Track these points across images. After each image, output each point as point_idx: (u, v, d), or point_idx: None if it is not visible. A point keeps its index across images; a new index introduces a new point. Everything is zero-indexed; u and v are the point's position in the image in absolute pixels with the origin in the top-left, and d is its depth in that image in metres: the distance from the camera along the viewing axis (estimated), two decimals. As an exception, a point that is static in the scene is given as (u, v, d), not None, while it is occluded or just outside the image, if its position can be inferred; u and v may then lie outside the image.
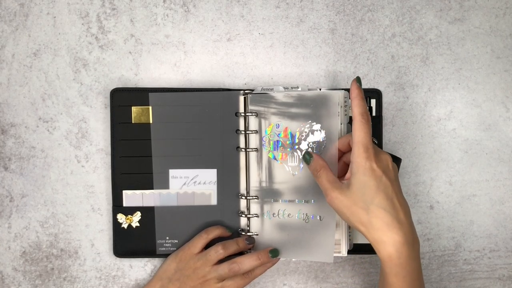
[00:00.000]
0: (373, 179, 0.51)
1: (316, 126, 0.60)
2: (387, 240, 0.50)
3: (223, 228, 0.63)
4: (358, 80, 0.55)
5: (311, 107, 0.60)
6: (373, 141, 0.55)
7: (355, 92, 0.54)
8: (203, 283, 0.60)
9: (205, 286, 0.60)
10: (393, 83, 0.67)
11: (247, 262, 0.59)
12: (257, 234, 0.63)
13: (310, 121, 0.61)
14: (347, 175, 0.55)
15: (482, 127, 0.67)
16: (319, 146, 0.60)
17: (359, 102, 0.53)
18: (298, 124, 0.61)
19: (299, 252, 0.61)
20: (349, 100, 0.60)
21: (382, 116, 0.66)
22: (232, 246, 0.61)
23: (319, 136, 0.60)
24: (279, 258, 0.62)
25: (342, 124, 0.62)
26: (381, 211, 0.50)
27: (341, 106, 0.62)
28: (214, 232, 0.62)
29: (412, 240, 0.51)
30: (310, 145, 0.60)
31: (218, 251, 0.60)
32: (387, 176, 0.52)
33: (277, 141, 0.62)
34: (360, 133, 0.52)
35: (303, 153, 0.58)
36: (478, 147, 0.67)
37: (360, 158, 0.52)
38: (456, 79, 0.67)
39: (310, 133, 0.61)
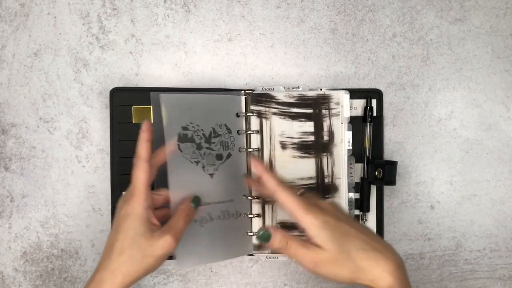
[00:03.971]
0: (334, 231, 0.50)
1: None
2: (381, 274, 0.49)
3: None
4: (255, 156, 0.57)
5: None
6: (300, 193, 0.54)
7: (260, 167, 0.54)
8: (119, 205, 0.53)
9: (120, 205, 0.53)
10: (394, 83, 0.67)
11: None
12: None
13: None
14: (308, 240, 0.51)
15: (482, 127, 0.67)
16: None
17: (270, 175, 0.53)
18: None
19: None
20: (341, 106, 0.61)
21: (383, 116, 0.66)
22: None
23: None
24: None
25: (343, 124, 0.62)
26: (362, 253, 0.50)
27: (342, 106, 0.62)
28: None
29: (398, 260, 0.51)
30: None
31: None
32: (340, 219, 0.51)
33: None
34: (288, 198, 0.51)
35: (257, 235, 0.52)
36: (478, 147, 0.68)
37: (307, 220, 0.50)
38: (457, 79, 0.67)
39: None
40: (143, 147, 0.53)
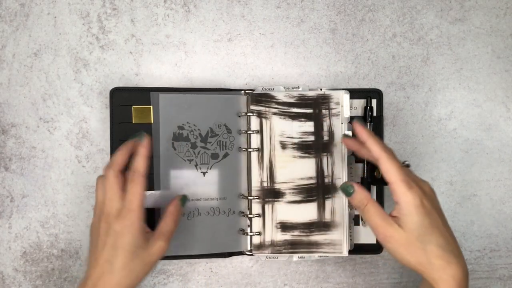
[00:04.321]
0: (426, 217, 0.49)
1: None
2: (448, 278, 0.48)
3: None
4: (360, 121, 0.54)
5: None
6: (406, 165, 0.53)
7: (365, 132, 0.53)
8: (106, 219, 0.53)
9: (110, 220, 0.53)
10: (394, 83, 0.67)
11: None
12: (259, 234, 0.63)
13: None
14: (394, 213, 0.51)
15: (482, 127, 0.67)
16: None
17: (375, 140, 0.52)
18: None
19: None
20: (341, 106, 0.61)
21: (383, 116, 0.66)
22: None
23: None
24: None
25: (343, 124, 0.62)
26: (440, 250, 0.49)
27: (342, 106, 0.62)
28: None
29: (466, 270, 0.50)
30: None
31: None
32: (435, 208, 0.50)
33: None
34: (393, 168, 0.50)
35: (341, 184, 0.54)
36: (478, 147, 0.68)
37: (407, 197, 0.49)
38: (457, 79, 0.67)
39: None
40: (142, 162, 0.54)
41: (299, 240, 0.62)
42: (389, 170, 0.50)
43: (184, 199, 0.58)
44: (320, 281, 0.67)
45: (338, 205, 0.61)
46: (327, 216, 0.62)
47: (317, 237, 0.62)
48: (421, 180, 0.53)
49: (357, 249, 0.64)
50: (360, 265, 0.67)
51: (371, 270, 0.67)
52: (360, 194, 0.52)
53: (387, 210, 0.67)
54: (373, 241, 0.65)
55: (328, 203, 0.62)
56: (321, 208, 0.62)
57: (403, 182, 0.49)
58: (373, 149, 0.52)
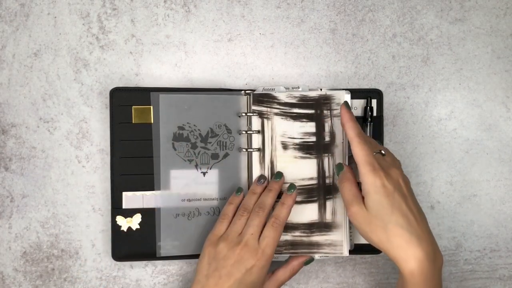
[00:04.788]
0: (386, 197, 0.51)
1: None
2: (407, 257, 0.50)
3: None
4: (346, 104, 0.57)
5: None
6: (381, 153, 0.55)
7: (346, 116, 0.56)
8: (240, 252, 0.55)
9: (243, 254, 0.55)
10: (394, 83, 0.67)
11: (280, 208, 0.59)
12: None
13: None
14: (362, 193, 0.54)
15: (482, 127, 0.68)
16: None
17: (352, 124, 0.55)
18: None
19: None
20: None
21: (383, 116, 0.66)
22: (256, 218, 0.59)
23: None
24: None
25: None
26: (399, 229, 0.51)
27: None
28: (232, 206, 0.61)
29: (433, 255, 0.51)
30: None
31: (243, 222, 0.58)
32: (400, 191, 0.52)
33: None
34: (361, 152, 0.53)
35: (336, 163, 0.60)
36: (478, 147, 0.68)
37: (368, 178, 0.52)
38: (457, 79, 0.68)
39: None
40: (285, 212, 0.58)
41: (300, 241, 0.62)
42: (357, 153, 0.53)
43: (309, 261, 0.61)
44: (320, 281, 0.67)
45: (339, 205, 0.61)
46: (328, 217, 0.62)
47: (318, 238, 0.62)
48: (393, 167, 0.54)
49: (357, 249, 0.64)
50: (360, 265, 0.67)
51: (371, 270, 0.67)
52: (345, 173, 0.56)
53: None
54: (373, 241, 0.65)
55: (329, 204, 0.62)
56: (322, 208, 0.62)
57: (367, 164, 0.52)
58: (348, 132, 0.55)
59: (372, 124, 0.64)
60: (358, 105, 0.65)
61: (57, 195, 0.66)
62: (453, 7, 0.67)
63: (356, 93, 0.64)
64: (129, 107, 0.63)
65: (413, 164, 0.67)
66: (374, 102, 0.65)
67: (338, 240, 0.61)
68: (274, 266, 0.66)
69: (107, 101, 0.65)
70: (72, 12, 0.66)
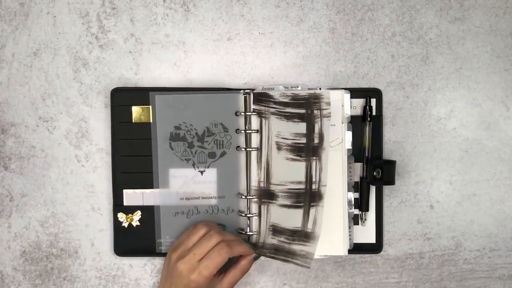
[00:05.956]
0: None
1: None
2: None
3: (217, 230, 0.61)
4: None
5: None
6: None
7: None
8: (182, 266, 0.58)
9: (182, 269, 0.57)
10: (393, 82, 0.67)
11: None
12: (256, 233, 0.63)
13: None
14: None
15: (482, 127, 0.67)
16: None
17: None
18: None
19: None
20: (342, 106, 0.60)
21: (382, 115, 0.66)
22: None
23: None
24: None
25: (344, 123, 0.62)
26: None
27: (342, 105, 0.62)
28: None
29: None
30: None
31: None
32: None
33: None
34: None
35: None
36: (478, 146, 0.67)
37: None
38: (456, 78, 0.67)
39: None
40: (240, 249, 0.59)
41: (282, 247, 0.61)
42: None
43: (257, 257, 0.61)
44: (319, 280, 0.67)
45: (319, 215, 0.60)
46: (309, 226, 0.60)
47: (295, 247, 0.60)
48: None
49: (356, 248, 0.64)
50: (360, 264, 0.67)
51: (371, 270, 0.67)
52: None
53: (386, 209, 0.67)
54: (372, 240, 0.65)
55: (312, 212, 0.60)
56: (306, 215, 0.60)
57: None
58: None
59: (371, 123, 0.64)
60: (357, 104, 0.65)
61: (57, 194, 0.66)
62: (453, 6, 0.67)
63: (355, 92, 0.64)
64: (129, 107, 0.64)
65: (413, 163, 0.67)
66: (373, 102, 0.65)
67: (311, 253, 0.60)
68: (273, 266, 0.65)
69: (107, 100, 0.65)
70: (72, 11, 0.66)
